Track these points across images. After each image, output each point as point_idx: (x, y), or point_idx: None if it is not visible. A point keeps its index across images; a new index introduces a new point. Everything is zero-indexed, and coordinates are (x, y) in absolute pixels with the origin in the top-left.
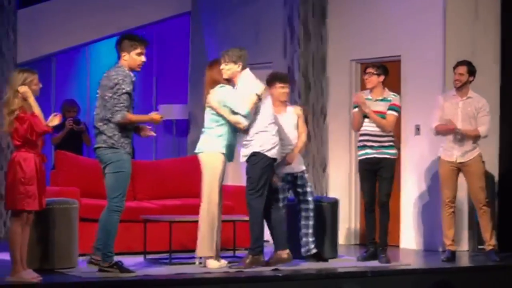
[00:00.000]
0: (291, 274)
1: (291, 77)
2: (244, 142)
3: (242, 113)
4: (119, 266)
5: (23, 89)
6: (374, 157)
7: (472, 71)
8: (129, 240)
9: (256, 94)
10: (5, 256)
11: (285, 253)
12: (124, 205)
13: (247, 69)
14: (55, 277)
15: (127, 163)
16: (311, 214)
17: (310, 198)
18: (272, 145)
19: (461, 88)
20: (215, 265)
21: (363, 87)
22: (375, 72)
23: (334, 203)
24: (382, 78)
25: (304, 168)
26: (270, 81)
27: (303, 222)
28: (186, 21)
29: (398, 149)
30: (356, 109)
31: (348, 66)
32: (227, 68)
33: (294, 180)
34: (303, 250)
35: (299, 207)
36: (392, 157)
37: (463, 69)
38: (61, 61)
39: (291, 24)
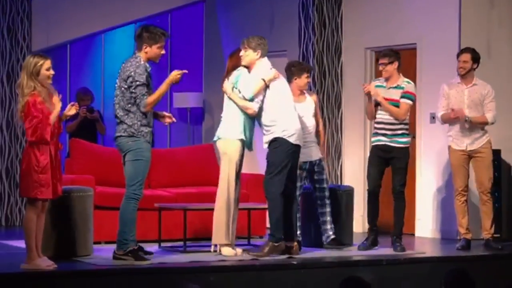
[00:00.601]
0: (305, 262)
1: None
2: (266, 128)
3: (246, 97)
4: (134, 254)
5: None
6: (386, 145)
7: (475, 58)
8: (144, 228)
9: (263, 80)
10: (21, 243)
11: (293, 245)
12: (142, 193)
13: (265, 58)
14: (70, 265)
15: (147, 152)
16: (327, 201)
17: (325, 185)
18: (294, 131)
19: (466, 75)
20: (230, 253)
21: (378, 75)
22: (388, 62)
23: (349, 191)
24: (396, 64)
25: (321, 155)
26: (299, 72)
27: (319, 210)
28: (200, 9)
29: (414, 137)
30: (372, 99)
31: (363, 54)
32: (246, 55)
33: (311, 168)
34: (323, 237)
35: (315, 195)
36: (405, 145)
37: (466, 57)
38: (76, 49)
39: (306, 12)
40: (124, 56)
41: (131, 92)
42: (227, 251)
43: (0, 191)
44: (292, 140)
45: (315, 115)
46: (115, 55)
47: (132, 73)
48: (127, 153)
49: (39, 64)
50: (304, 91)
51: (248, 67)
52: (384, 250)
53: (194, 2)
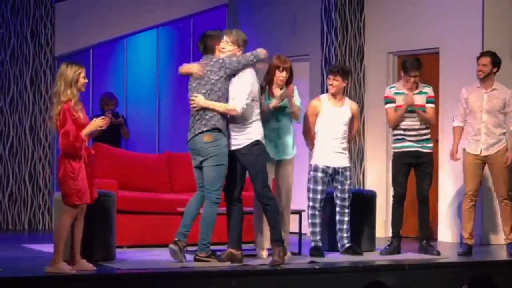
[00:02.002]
0: (327, 267)
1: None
2: (238, 129)
3: (239, 110)
4: (216, 256)
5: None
6: (416, 151)
7: (496, 62)
8: (167, 233)
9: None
10: (44, 247)
11: (239, 253)
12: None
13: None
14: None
15: (226, 157)
16: (346, 210)
17: (347, 195)
18: (263, 133)
19: (485, 79)
20: (262, 256)
21: (399, 79)
22: (417, 75)
23: (372, 196)
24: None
25: (348, 164)
26: (346, 75)
27: (338, 218)
28: (222, 13)
29: (436, 141)
30: (392, 105)
31: (385, 58)
32: (229, 49)
33: (334, 174)
34: (339, 245)
35: (335, 202)
36: (431, 150)
37: (486, 60)
38: (98, 54)
39: (328, 15)
40: (146, 61)
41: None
42: (258, 254)
43: (23, 195)
44: (263, 141)
45: (350, 124)
46: (138, 60)
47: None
48: (209, 158)
49: (77, 72)
50: (345, 97)
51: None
52: (406, 255)
53: (217, 6)
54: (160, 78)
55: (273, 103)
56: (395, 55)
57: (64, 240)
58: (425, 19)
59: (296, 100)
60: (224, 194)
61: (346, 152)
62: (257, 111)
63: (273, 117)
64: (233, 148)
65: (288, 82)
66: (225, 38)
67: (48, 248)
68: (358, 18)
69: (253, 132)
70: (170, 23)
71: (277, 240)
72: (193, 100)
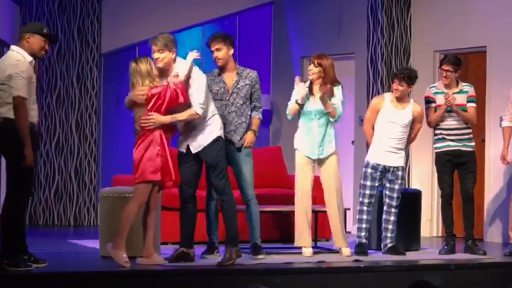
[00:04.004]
0: (371, 266)
1: (374, 68)
2: (198, 130)
3: (199, 112)
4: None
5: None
6: (458, 150)
7: None
8: (198, 229)
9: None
10: (90, 243)
11: (191, 252)
12: None
13: (178, 57)
14: (138, 265)
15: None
16: (393, 210)
17: (395, 195)
18: (222, 126)
19: None
20: (306, 254)
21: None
22: (452, 70)
23: (417, 195)
24: (458, 73)
25: (400, 164)
26: (412, 81)
27: (384, 216)
28: (268, 11)
29: (483, 140)
30: (431, 105)
31: (431, 57)
32: (163, 56)
33: (384, 172)
34: (382, 244)
35: (384, 200)
36: (473, 149)
37: None
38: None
39: (374, 14)
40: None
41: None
42: (305, 252)
43: (69, 191)
44: (223, 136)
45: (411, 126)
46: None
47: None
48: (250, 157)
49: (148, 62)
50: (410, 99)
51: (164, 73)
52: (451, 255)
53: (262, 4)
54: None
55: (298, 99)
56: (441, 53)
57: (128, 226)
58: (472, 17)
59: (337, 99)
60: (179, 193)
61: (401, 152)
62: (212, 107)
63: (312, 115)
64: (195, 151)
65: (325, 81)
66: (153, 48)
67: (94, 243)
68: (404, 16)
69: (213, 130)
70: (215, 20)
71: (231, 239)
72: (148, 120)
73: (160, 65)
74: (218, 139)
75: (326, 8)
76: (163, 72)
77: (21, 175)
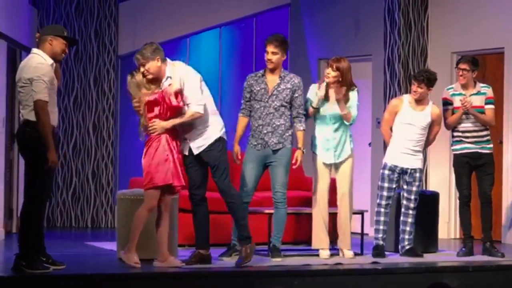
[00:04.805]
0: (390, 268)
1: (391, 69)
2: (197, 132)
3: (201, 110)
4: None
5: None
6: (476, 152)
7: None
8: (228, 232)
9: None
10: (107, 245)
11: (208, 254)
12: None
13: (168, 59)
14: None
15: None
16: (411, 212)
17: (413, 197)
18: (223, 126)
19: None
20: (323, 256)
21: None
22: (469, 69)
23: (435, 197)
24: (475, 73)
25: (418, 166)
26: (432, 83)
27: (402, 218)
28: (285, 12)
29: (500, 142)
30: (449, 107)
31: (449, 58)
32: (148, 67)
33: (401, 173)
34: (399, 246)
35: (402, 202)
36: (491, 151)
37: None
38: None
39: (391, 15)
40: (209, 60)
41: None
42: (322, 254)
43: (86, 193)
44: (225, 136)
45: (429, 128)
46: (200, 59)
47: None
48: (286, 159)
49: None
50: (430, 101)
51: (157, 79)
52: (469, 257)
53: (279, 6)
54: (222, 77)
55: (314, 103)
56: (459, 55)
57: (137, 228)
58: (490, 19)
59: (352, 102)
60: (189, 196)
61: (419, 154)
62: (212, 106)
63: (327, 120)
64: (196, 152)
65: (342, 85)
66: (137, 63)
67: (111, 245)
68: (421, 18)
69: (213, 131)
70: (232, 22)
71: (245, 238)
72: (151, 127)
73: (149, 77)
74: (219, 139)
75: (343, 10)
76: (157, 79)
77: (39, 177)
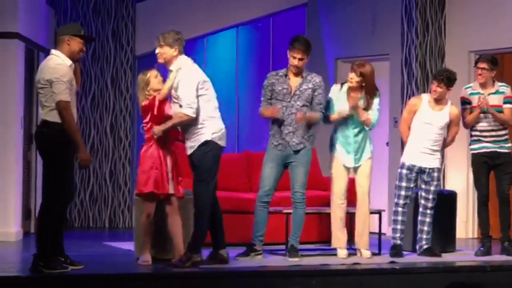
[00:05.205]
0: (407, 267)
1: (409, 69)
2: (191, 132)
3: (191, 113)
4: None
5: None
6: (494, 151)
7: None
8: (246, 232)
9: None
10: (124, 245)
11: (225, 253)
12: None
13: (184, 55)
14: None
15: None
16: (429, 212)
17: (431, 196)
18: (222, 133)
19: None
20: (341, 255)
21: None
22: (488, 68)
23: (452, 197)
24: (494, 72)
25: (437, 166)
26: (451, 83)
27: (420, 218)
28: (302, 12)
29: None
30: (466, 107)
31: (466, 57)
32: (163, 52)
33: (420, 173)
34: (417, 246)
35: (419, 201)
36: (510, 150)
37: None
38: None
39: (408, 15)
40: (226, 60)
41: None
42: (340, 253)
43: (104, 193)
44: (220, 143)
45: (447, 129)
46: (217, 59)
47: None
48: (306, 160)
49: (146, 77)
50: (448, 101)
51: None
52: (487, 256)
53: (296, 6)
54: (239, 77)
55: (334, 115)
56: (476, 54)
57: (142, 232)
58: (508, 17)
59: (374, 106)
60: None
61: (437, 153)
62: (210, 110)
63: (348, 124)
64: (188, 152)
65: (366, 90)
66: (156, 43)
67: (128, 245)
68: (439, 17)
69: (204, 133)
70: (249, 22)
71: (191, 247)
72: (153, 133)
73: (160, 60)
74: (206, 142)
75: (360, 10)
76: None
77: (57, 177)
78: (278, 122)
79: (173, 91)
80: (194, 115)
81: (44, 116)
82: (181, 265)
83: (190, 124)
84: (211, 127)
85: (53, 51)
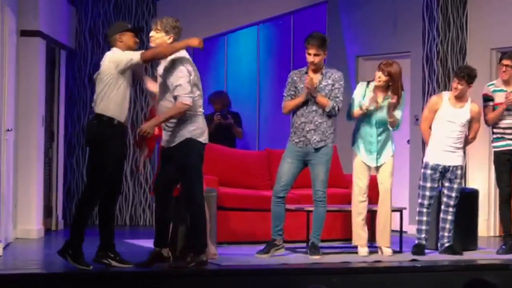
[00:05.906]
0: (429, 265)
1: (430, 66)
2: (170, 126)
3: (187, 102)
4: None
5: None
6: None
7: None
8: (267, 230)
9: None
10: (144, 242)
11: (166, 252)
12: None
13: (185, 53)
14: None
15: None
16: (451, 209)
17: (454, 194)
18: (202, 129)
19: None
20: (362, 253)
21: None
22: (510, 65)
23: (474, 194)
24: None
25: (459, 163)
26: (472, 80)
27: (442, 216)
28: (323, 10)
29: None
30: (489, 103)
31: (488, 55)
32: (157, 37)
33: (444, 172)
34: (438, 243)
35: (442, 199)
36: None
37: None
38: (199, 51)
39: (430, 12)
40: (247, 57)
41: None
42: (361, 251)
43: (125, 191)
44: (202, 139)
45: (468, 126)
46: (238, 57)
47: None
48: (327, 158)
49: None
50: (469, 98)
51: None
52: (509, 254)
53: (317, 3)
54: (260, 74)
55: (357, 109)
56: (498, 51)
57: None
58: None
59: (400, 107)
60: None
61: (460, 151)
62: (197, 106)
63: (373, 124)
64: (166, 145)
65: (393, 90)
66: (153, 26)
67: (149, 243)
68: (460, 14)
69: (189, 129)
70: (270, 20)
71: (196, 245)
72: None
73: (151, 44)
74: (188, 141)
75: (380, 7)
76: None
77: (99, 170)
78: (300, 120)
79: (166, 81)
80: (192, 105)
81: (96, 109)
82: (185, 265)
83: (178, 118)
84: (191, 124)
85: (113, 49)
